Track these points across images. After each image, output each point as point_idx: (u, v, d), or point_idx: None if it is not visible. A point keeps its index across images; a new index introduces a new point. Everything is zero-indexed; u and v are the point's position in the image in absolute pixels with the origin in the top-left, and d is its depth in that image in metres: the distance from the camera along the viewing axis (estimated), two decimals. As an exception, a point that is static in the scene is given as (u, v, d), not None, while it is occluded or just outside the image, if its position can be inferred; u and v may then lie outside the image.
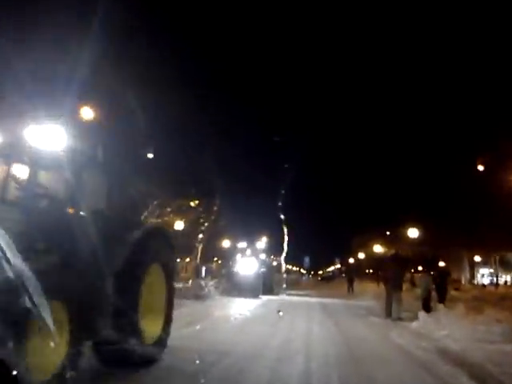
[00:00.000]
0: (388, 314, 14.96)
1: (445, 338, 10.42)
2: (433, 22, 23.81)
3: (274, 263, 30.80)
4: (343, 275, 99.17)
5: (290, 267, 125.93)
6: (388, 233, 43.90)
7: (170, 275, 7.38)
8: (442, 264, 31.46)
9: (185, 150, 29.76)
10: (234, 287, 24.60)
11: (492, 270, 56.70)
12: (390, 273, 15.30)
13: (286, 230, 39.50)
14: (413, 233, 27.65)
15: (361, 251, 53.25)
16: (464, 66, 21.27)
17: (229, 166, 32.74)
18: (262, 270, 27.69)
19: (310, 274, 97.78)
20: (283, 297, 25.58)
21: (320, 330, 11.80)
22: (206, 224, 34.39)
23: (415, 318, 14.06)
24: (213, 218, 33.12)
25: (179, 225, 28.37)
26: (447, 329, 11.12)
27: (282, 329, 11.66)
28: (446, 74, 22.86)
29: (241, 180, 34.81)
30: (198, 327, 10.76)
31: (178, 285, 23.29)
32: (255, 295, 23.73)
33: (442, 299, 14.26)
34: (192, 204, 29.35)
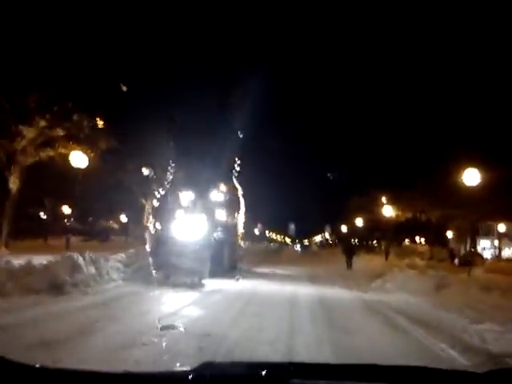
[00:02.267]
0: None
1: None
2: None
3: (241, 226, 19.48)
4: (334, 244, 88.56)
5: (273, 235, 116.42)
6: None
7: None
8: None
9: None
10: (158, 267, 13.43)
11: (496, 242, 47.22)
12: None
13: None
14: (471, 178, 16.08)
15: (359, 216, 42.33)
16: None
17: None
18: (217, 235, 16.54)
19: (295, 242, 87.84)
20: (246, 283, 14.51)
21: None
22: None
23: None
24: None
25: (79, 158, 16.74)
26: None
27: None
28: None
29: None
30: None
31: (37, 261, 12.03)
32: (195, 282, 12.71)
33: None
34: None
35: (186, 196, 17.59)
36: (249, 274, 17.43)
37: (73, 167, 16.74)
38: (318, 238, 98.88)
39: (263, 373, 1.52)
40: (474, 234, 43.57)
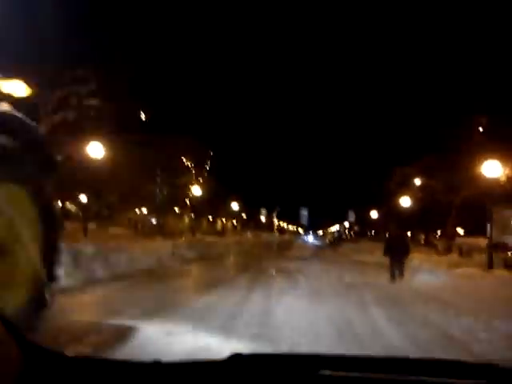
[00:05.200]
0: None
1: None
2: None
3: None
4: (348, 237, 73.24)
5: (283, 225, 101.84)
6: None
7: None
8: None
9: None
10: None
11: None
12: None
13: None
14: None
15: (402, 194, 27.61)
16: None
17: None
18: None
19: (307, 233, 73.47)
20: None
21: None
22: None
23: None
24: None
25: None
26: None
27: None
28: None
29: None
30: None
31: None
32: None
33: None
34: None
35: None
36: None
37: None
38: (334, 229, 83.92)
39: (293, 365, 1.58)
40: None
